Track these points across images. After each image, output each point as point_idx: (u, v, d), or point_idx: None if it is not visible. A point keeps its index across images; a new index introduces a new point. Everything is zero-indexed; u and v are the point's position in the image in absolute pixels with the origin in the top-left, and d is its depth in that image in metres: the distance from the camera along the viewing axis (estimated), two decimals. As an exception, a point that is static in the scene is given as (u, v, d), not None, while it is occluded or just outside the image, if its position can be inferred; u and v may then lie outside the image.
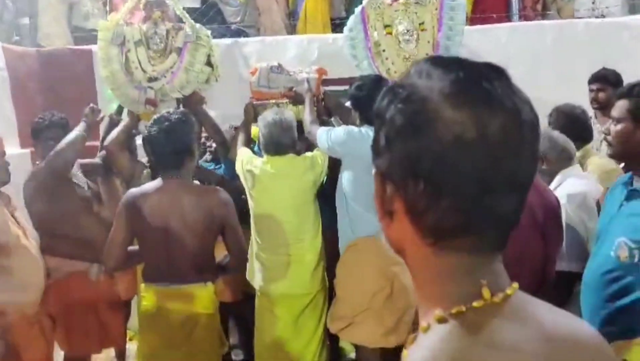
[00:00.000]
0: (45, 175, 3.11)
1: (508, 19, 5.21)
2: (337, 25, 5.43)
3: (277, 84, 3.67)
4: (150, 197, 2.64)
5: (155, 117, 2.78)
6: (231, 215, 2.72)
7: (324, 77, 3.89)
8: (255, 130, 3.61)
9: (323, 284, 3.31)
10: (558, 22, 5.11)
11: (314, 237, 3.25)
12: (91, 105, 3.50)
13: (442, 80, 0.66)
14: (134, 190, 2.73)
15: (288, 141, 3.22)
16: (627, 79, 3.61)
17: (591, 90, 3.70)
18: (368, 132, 2.99)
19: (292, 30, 5.36)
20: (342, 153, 3.08)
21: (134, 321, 3.31)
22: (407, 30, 3.66)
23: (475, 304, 0.67)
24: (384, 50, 3.73)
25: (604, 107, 3.60)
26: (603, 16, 5.22)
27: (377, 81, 3.19)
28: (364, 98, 3.07)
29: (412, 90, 0.68)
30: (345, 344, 3.91)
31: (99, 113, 3.50)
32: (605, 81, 3.62)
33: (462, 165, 0.64)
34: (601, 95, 3.64)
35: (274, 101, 3.65)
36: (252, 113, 3.63)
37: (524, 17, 5.29)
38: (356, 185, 3.04)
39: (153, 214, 2.61)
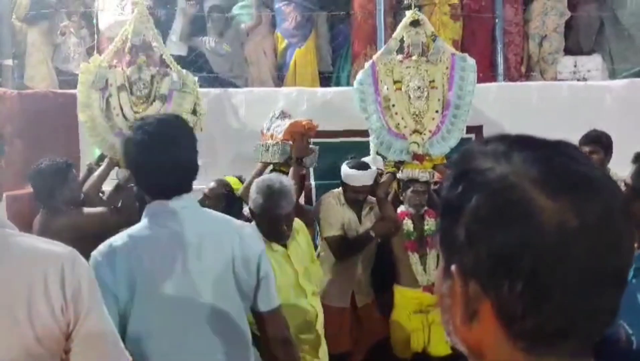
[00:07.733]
0: None
1: (493, 78, 5.30)
2: (325, 79, 5.46)
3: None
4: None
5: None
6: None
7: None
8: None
9: None
10: (543, 83, 5.22)
11: None
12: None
13: (528, 164, 0.59)
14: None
15: None
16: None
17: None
18: None
19: (279, 82, 5.35)
20: None
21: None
22: (418, 87, 3.63)
23: None
24: (393, 105, 3.69)
25: None
26: (585, 79, 5.35)
27: None
28: None
29: (495, 177, 0.59)
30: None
31: None
32: (599, 143, 3.60)
33: (566, 260, 0.56)
34: (595, 157, 3.54)
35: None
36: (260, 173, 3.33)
37: (508, 78, 5.39)
38: None
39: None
